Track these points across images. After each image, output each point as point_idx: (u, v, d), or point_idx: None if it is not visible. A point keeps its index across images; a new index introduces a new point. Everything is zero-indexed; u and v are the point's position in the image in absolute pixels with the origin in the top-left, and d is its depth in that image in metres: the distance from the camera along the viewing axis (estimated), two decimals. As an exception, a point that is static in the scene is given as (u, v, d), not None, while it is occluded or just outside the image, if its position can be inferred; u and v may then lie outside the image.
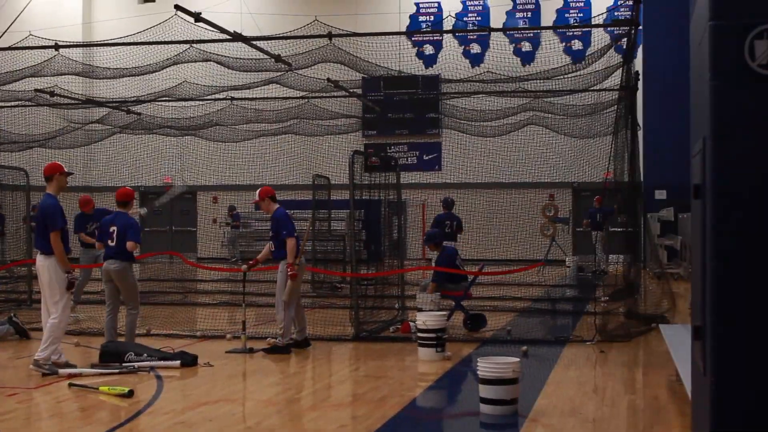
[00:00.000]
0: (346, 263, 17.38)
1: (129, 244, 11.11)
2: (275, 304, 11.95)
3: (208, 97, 22.91)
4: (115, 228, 11.23)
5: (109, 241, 11.24)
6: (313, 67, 19.45)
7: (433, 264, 14.45)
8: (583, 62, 18.31)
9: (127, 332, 11.39)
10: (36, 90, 21.68)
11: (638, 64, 19.73)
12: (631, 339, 12.54)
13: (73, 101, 23.36)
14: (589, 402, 8.78)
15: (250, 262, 12.44)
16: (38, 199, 11.11)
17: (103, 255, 11.50)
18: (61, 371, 10.06)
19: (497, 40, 28.98)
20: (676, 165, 23.26)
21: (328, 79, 21.32)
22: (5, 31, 16.26)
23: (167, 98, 22.65)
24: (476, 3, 32.04)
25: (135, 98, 23.21)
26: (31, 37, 18.58)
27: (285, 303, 11.62)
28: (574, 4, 31.36)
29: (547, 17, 31.31)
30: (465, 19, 31.71)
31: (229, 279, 22.31)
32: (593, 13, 30.38)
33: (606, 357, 11.34)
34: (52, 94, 21.91)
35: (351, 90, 23.51)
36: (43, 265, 10.21)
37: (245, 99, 23.30)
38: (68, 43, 19.21)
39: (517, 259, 25.07)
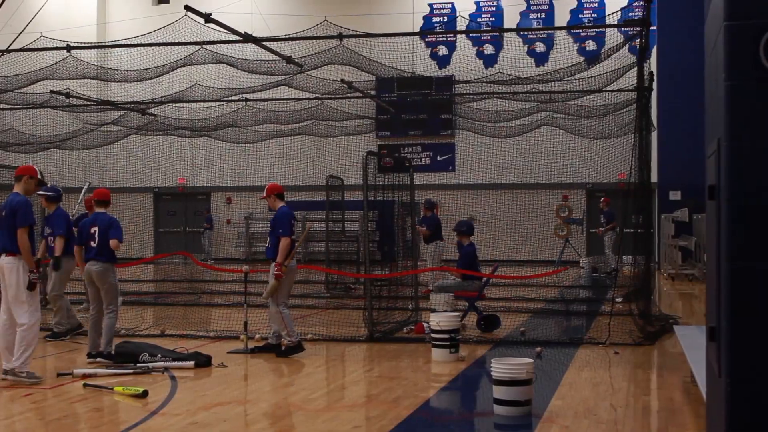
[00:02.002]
0: (360, 264, 17.40)
1: (113, 242, 10.91)
2: (270, 305, 11.77)
3: (223, 98, 22.96)
4: (96, 228, 11.04)
5: (91, 242, 11.02)
6: (326, 68, 19.47)
7: (459, 252, 14.44)
8: (596, 62, 18.27)
9: (104, 335, 11.06)
10: (51, 92, 21.76)
11: (653, 64, 19.69)
12: (654, 342, 12.46)
13: (87, 103, 23.45)
14: (604, 403, 8.76)
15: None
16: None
17: (84, 256, 11.20)
18: (76, 371, 10.05)
19: (511, 41, 28.99)
20: (691, 166, 23.20)
21: (342, 80, 21.34)
22: (20, 33, 16.36)
23: (182, 101, 22.73)
24: (490, 3, 32.01)
25: (149, 100, 23.29)
26: (43, 38, 18.66)
27: (272, 302, 11.50)
28: (587, 4, 31.29)
29: (561, 18, 31.26)
30: (478, 19, 31.69)
31: (234, 280, 22.36)
32: (607, 13, 30.32)
33: (620, 358, 11.31)
34: (67, 95, 22.00)
35: (365, 91, 23.52)
36: (11, 265, 9.79)
37: (259, 100, 23.34)
38: (80, 45, 19.29)
39: (530, 260, 25.05)
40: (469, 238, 14.53)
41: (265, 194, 11.89)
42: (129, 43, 19.42)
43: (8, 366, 9.84)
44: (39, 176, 10.30)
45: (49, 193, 13.04)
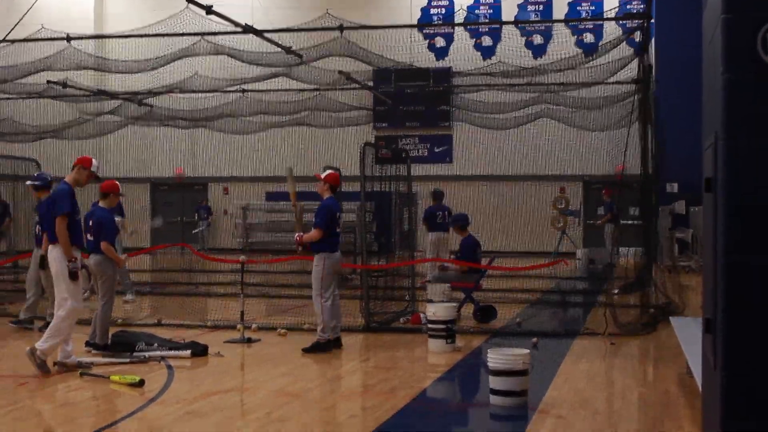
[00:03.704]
0: (357, 255, 17.39)
1: (102, 245, 10.78)
2: (313, 298, 11.47)
3: (220, 89, 22.92)
4: (92, 222, 10.96)
5: (88, 235, 10.91)
6: (324, 60, 19.45)
7: (458, 246, 14.43)
8: (594, 55, 18.27)
9: (99, 326, 10.95)
10: (48, 81, 21.71)
11: (651, 57, 19.68)
12: (650, 332, 12.48)
13: (85, 93, 23.41)
14: (599, 394, 8.79)
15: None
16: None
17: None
18: (69, 361, 9.87)
19: (509, 33, 28.91)
20: (688, 158, 23.16)
21: (340, 72, 21.32)
22: (17, 23, 16.30)
23: (179, 90, 22.70)
24: (488, -5, 31.97)
25: (147, 90, 23.25)
26: (43, 30, 18.62)
27: (314, 293, 11.25)
28: (586, -4, 31.26)
29: (559, 10, 31.21)
30: (477, 11, 31.65)
31: (232, 270, 22.31)
32: (605, 7, 30.29)
33: (616, 350, 11.34)
34: (64, 85, 21.96)
35: (362, 82, 23.50)
36: (50, 255, 9.84)
37: (257, 91, 23.31)
38: (80, 36, 19.26)
39: (527, 252, 25.06)
40: (467, 231, 14.55)
41: (321, 178, 11.44)
42: (129, 34, 19.39)
43: (61, 358, 9.83)
44: (94, 169, 10.17)
45: (36, 182, 12.82)
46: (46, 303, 13.01)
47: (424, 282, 15.90)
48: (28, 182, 12.57)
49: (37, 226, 12.90)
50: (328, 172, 11.68)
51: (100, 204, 11.26)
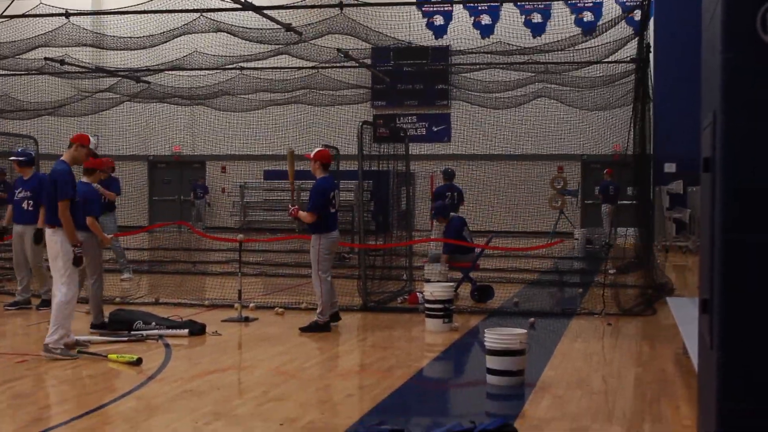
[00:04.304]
0: (355, 234, 17.40)
1: (88, 220, 10.63)
2: (312, 278, 11.44)
3: (219, 67, 22.84)
4: (79, 199, 10.62)
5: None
6: (323, 38, 19.37)
7: (442, 236, 14.39)
8: (594, 34, 18.21)
9: (92, 305, 10.97)
10: (46, 59, 21.63)
11: (650, 36, 19.64)
12: (651, 314, 12.48)
13: (83, 70, 23.33)
14: (596, 374, 8.81)
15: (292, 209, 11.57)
16: (48, 167, 10.86)
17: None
18: (68, 340, 9.65)
19: (508, 12, 28.80)
20: (687, 138, 23.14)
21: (338, 50, 21.25)
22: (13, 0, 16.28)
23: (177, 68, 22.62)
24: (487, -27, 31.82)
25: (145, 68, 23.17)
26: (41, 5, 18.51)
27: (313, 271, 11.20)
28: (586, -25, 31.13)
29: (559, -12, 31.06)
30: (476, -11, 31.47)
31: (230, 249, 22.34)
32: (605, -15, 30.17)
33: (613, 329, 11.36)
34: (62, 62, 21.87)
35: (360, 60, 23.43)
36: (50, 238, 9.51)
37: (255, 69, 23.23)
38: (79, 11, 19.17)
39: (525, 231, 25.08)
40: (447, 218, 14.45)
41: (311, 157, 11.30)
42: (128, 9, 19.27)
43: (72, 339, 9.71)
44: (92, 146, 10.00)
45: (21, 158, 12.72)
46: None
47: (426, 262, 15.92)
48: (12, 158, 12.45)
49: (26, 202, 12.74)
50: (317, 149, 11.60)
51: (84, 179, 11.07)
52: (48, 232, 9.60)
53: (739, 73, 4.30)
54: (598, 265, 18.50)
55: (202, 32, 19.27)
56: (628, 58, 18.79)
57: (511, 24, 26.45)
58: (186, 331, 10.77)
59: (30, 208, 12.61)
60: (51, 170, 9.81)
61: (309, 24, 18.49)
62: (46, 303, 12.64)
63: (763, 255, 4.27)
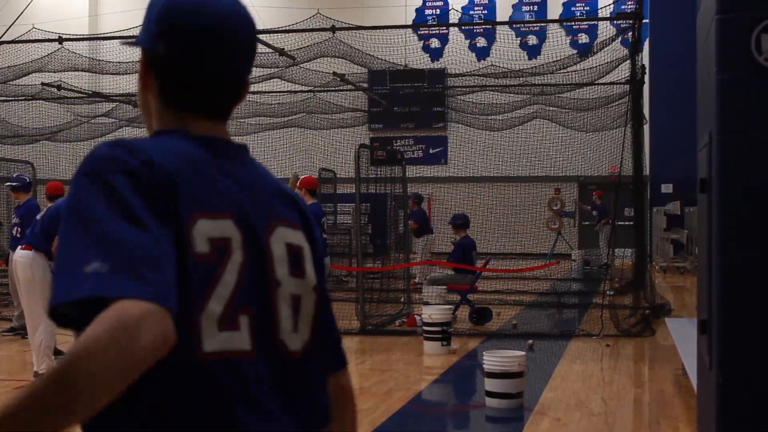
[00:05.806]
0: (352, 257, 17.39)
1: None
2: None
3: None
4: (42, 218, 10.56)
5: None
6: (318, 61, 19.42)
7: (453, 245, 14.45)
8: (588, 55, 18.28)
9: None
10: (43, 84, 21.67)
11: (645, 57, 19.72)
12: (649, 335, 12.45)
13: (79, 95, 23.36)
14: (595, 395, 8.78)
15: None
16: (44, 192, 10.74)
17: None
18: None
19: (503, 34, 28.93)
20: (683, 159, 23.21)
21: (334, 73, 21.32)
22: (11, 25, 16.29)
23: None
24: (482, -4, 32.00)
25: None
26: (34, 30, 18.56)
27: None
28: (580, -3, 31.31)
29: (554, 10, 31.23)
30: (471, 12, 31.65)
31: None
32: (599, 6, 30.31)
33: (611, 351, 11.33)
34: (59, 87, 21.91)
35: (357, 84, 23.50)
36: (30, 262, 9.18)
37: (252, 93, 23.26)
38: (72, 37, 19.22)
39: (522, 253, 25.06)
40: (464, 231, 14.54)
41: (297, 186, 11.37)
42: (120, 35, 19.33)
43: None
44: None
45: (15, 184, 12.59)
46: None
47: (414, 284, 15.91)
48: (7, 184, 12.38)
49: (15, 228, 12.63)
50: (301, 177, 11.70)
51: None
52: (26, 255, 9.27)
53: (735, 94, 4.32)
54: (596, 286, 18.50)
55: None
56: (623, 80, 18.85)
57: (506, 46, 26.57)
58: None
59: (18, 235, 12.49)
60: (62, 201, 9.53)
61: (302, 47, 18.54)
62: (14, 330, 12.55)
63: (759, 274, 4.28)
